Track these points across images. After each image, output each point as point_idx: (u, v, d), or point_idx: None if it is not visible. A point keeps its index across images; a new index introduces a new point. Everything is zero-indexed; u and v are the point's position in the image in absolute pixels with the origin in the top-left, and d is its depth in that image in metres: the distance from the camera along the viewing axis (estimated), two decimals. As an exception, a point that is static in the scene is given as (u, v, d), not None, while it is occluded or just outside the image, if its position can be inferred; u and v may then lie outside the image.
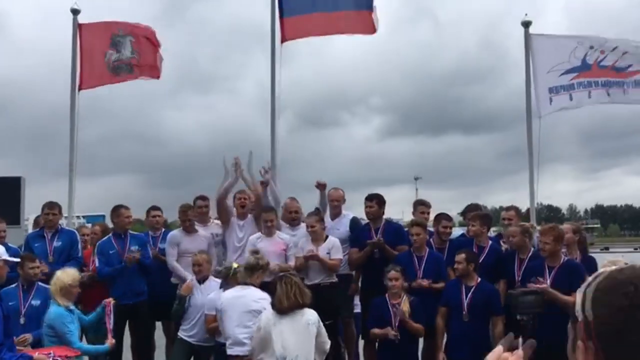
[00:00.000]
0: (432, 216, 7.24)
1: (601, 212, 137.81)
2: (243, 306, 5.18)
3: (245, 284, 5.33)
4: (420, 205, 7.25)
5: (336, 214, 7.14)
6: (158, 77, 8.56)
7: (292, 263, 6.43)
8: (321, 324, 4.89)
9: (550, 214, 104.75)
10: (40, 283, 5.96)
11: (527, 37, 8.60)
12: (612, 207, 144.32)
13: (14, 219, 11.62)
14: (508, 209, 7.39)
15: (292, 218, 7.03)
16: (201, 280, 6.12)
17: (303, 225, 6.80)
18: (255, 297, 5.22)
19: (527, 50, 8.58)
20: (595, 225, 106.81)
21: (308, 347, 4.72)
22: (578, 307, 1.35)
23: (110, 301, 5.85)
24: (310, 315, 4.82)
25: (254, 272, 5.37)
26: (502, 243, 6.76)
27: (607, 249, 55.56)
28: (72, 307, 5.56)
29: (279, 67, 8.45)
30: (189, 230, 6.94)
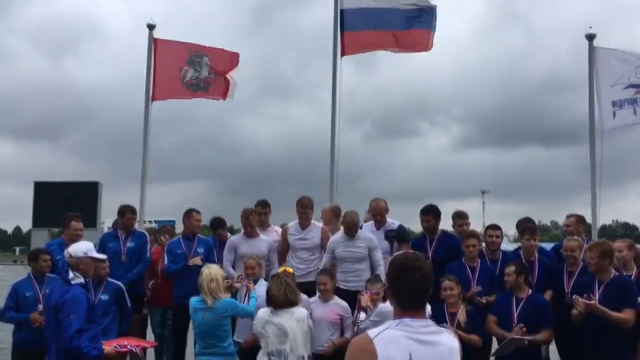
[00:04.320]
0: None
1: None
2: None
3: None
4: (458, 218, 7.28)
5: (380, 224, 7.15)
6: (224, 99, 9.01)
7: (348, 335, 5.79)
8: (310, 321, 5.28)
9: (626, 232, 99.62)
10: (109, 279, 6.43)
11: (591, 49, 8.52)
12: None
13: (91, 221, 12.46)
14: (569, 216, 7.31)
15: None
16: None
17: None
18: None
19: (590, 63, 8.49)
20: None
21: (300, 342, 5.07)
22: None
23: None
24: (300, 312, 5.24)
25: None
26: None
27: None
28: None
29: (339, 80, 8.75)
30: (250, 235, 7.06)
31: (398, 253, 2.81)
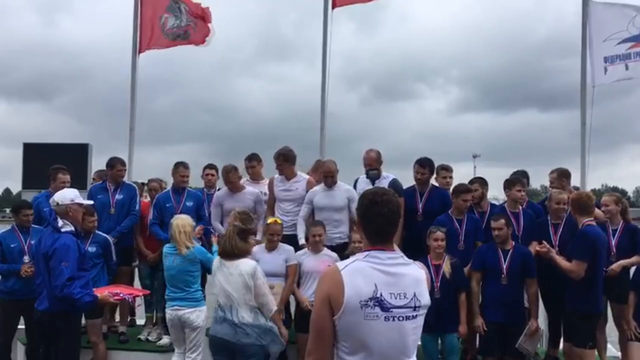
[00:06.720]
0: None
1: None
2: None
3: None
4: (442, 170, 7.22)
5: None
6: (202, 44, 8.76)
7: None
8: (260, 278, 4.98)
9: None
10: (97, 231, 6.42)
11: (585, 4, 8.33)
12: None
13: (81, 183, 12.40)
14: (552, 172, 7.28)
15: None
16: None
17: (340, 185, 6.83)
18: None
19: (584, 18, 8.32)
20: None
21: (241, 295, 4.91)
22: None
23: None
24: (245, 266, 4.98)
25: None
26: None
27: None
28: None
29: (330, 33, 8.54)
30: (233, 190, 7.01)
31: (368, 189, 2.79)
